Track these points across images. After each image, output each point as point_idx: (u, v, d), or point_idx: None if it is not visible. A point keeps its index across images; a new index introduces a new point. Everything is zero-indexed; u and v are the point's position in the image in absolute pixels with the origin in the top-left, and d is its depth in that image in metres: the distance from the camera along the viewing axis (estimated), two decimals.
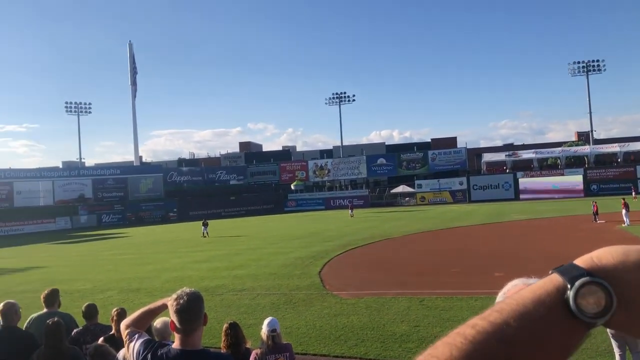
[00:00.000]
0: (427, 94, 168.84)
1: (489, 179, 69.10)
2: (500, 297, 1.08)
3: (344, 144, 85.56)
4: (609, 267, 0.77)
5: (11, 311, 5.63)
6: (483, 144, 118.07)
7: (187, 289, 2.73)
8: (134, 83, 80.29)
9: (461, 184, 69.20)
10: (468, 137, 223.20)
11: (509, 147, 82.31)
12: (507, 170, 70.68)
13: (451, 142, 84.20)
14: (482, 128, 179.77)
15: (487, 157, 75.25)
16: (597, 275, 0.75)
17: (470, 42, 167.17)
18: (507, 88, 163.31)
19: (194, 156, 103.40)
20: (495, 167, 73.39)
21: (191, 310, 2.65)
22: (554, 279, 0.78)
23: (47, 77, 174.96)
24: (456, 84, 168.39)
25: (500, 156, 74.37)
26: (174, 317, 2.66)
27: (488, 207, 52.06)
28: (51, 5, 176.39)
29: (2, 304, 5.66)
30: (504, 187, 66.89)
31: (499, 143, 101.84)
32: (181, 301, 2.64)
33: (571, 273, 0.78)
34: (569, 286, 0.76)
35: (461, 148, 76.82)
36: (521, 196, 64.17)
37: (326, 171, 79.05)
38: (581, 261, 0.80)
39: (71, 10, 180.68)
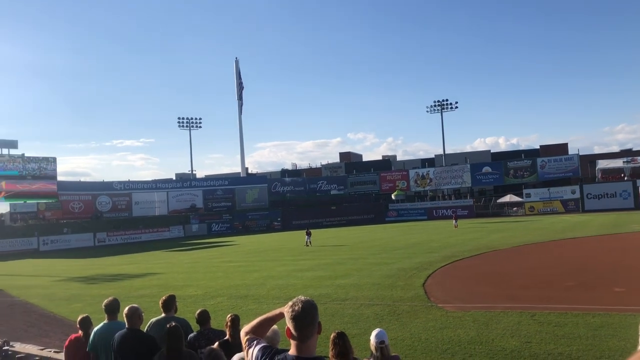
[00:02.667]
0: (535, 98, 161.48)
1: (605, 187, 64.68)
2: None
3: (446, 152, 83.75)
4: None
5: (135, 315, 6.06)
6: (597, 150, 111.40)
7: (302, 297, 2.82)
8: (240, 98, 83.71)
9: (573, 192, 65.37)
10: (580, 143, 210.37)
11: (627, 153, 76.62)
12: (625, 178, 65.79)
13: (561, 148, 79.89)
14: (596, 133, 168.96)
15: (602, 164, 70.56)
16: None
17: (582, 41, 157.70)
18: (623, 89, 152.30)
19: (296, 167, 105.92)
20: (612, 175, 68.60)
21: (305, 318, 2.73)
22: None
23: (161, 95, 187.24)
24: (566, 86, 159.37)
25: (617, 163, 69.45)
26: (289, 324, 2.75)
27: (604, 217, 48.74)
28: (164, 27, 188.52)
29: (127, 307, 6.11)
30: (622, 195, 62.34)
31: (616, 149, 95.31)
32: (296, 308, 2.73)
33: None
34: None
35: (573, 155, 72.56)
36: None
37: (428, 180, 77.73)
38: None
39: (182, 31, 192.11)
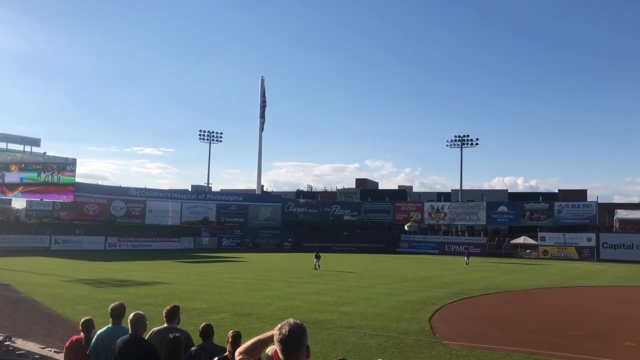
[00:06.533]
0: (558, 142, 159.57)
1: (622, 237, 63.54)
2: None
3: (463, 188, 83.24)
4: None
5: (140, 322, 6.03)
6: (617, 200, 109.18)
7: (291, 320, 2.79)
8: (262, 116, 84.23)
9: (589, 240, 64.34)
10: (600, 190, 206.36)
11: None
12: None
13: (580, 194, 79.02)
14: (617, 182, 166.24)
15: (621, 213, 69.53)
16: None
17: (608, 90, 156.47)
18: None
19: (311, 189, 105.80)
20: (630, 225, 67.45)
21: (292, 341, 2.69)
22: None
23: (185, 107, 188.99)
24: (589, 133, 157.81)
25: (637, 214, 68.33)
26: (277, 347, 2.73)
27: (619, 268, 47.85)
28: (192, 40, 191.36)
29: (132, 314, 6.09)
30: None
31: (636, 199, 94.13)
32: (283, 331, 2.70)
33: None
34: None
35: (592, 202, 71.69)
36: None
37: (442, 214, 77.17)
38: None
39: (210, 45, 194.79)
